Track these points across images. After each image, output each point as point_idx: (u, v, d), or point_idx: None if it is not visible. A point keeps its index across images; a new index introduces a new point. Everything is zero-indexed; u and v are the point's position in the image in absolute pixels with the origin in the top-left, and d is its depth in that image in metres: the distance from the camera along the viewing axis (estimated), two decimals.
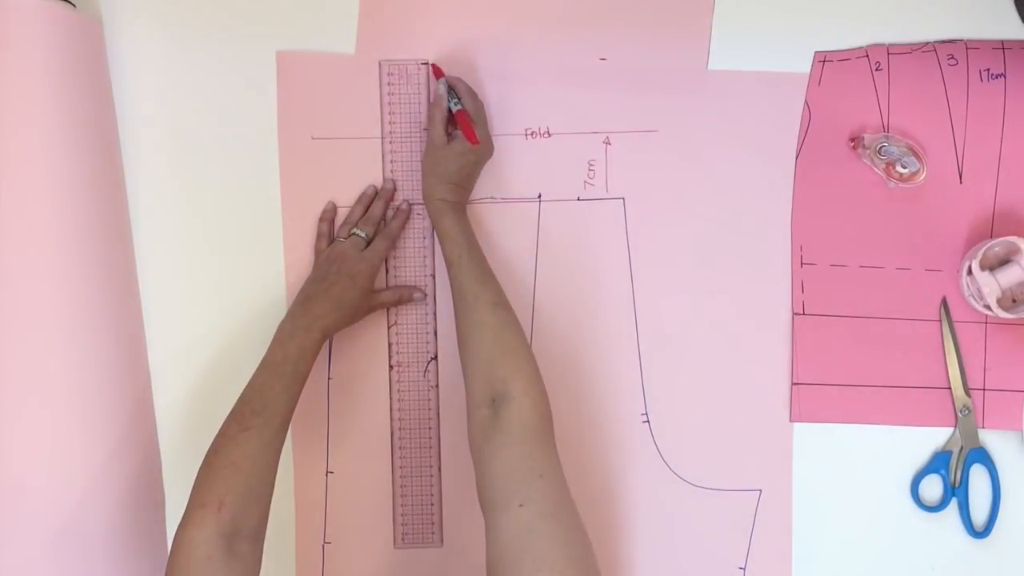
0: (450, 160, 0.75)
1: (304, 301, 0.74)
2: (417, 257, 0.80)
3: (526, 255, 0.80)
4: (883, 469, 0.80)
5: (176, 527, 0.63)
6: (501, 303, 0.71)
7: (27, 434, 0.71)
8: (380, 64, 0.79)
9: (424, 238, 0.80)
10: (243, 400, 0.69)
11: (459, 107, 0.75)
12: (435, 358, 0.80)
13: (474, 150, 0.75)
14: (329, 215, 0.79)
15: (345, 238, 0.77)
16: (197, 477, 0.66)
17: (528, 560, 0.56)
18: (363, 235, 0.77)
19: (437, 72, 0.78)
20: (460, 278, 0.72)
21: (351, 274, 0.75)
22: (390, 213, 0.79)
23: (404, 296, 0.79)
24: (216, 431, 0.79)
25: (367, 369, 0.80)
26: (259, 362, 0.71)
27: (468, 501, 0.80)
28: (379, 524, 0.80)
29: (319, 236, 0.79)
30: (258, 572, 0.64)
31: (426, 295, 0.80)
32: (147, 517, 0.78)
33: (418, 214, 0.80)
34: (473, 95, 0.76)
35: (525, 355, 0.68)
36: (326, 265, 0.75)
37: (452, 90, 0.76)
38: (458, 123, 0.75)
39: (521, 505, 0.59)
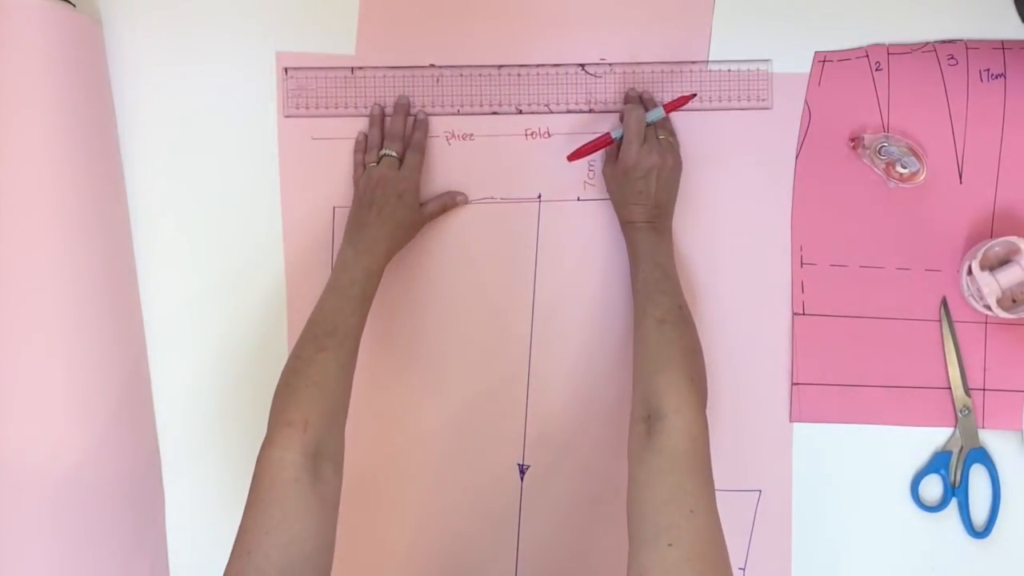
0: (618, 182, 0.76)
1: (360, 228, 0.74)
2: None
3: (526, 255, 0.80)
4: (883, 469, 0.80)
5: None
6: (670, 320, 0.69)
7: (27, 433, 0.71)
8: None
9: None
10: (314, 322, 0.69)
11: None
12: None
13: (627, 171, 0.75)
14: (362, 145, 0.79)
15: (376, 162, 0.77)
16: (277, 398, 0.65)
17: None
18: (394, 154, 0.77)
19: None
20: (634, 295, 0.73)
21: (398, 193, 0.75)
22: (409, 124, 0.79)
23: (448, 203, 0.79)
24: (216, 431, 0.80)
25: (366, 369, 0.80)
26: (324, 288, 0.71)
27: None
28: (380, 525, 0.80)
29: (356, 165, 0.78)
30: (339, 498, 0.63)
31: (468, 199, 0.79)
32: (147, 515, 0.78)
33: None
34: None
35: (685, 373, 0.66)
36: (370, 191, 0.75)
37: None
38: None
39: (670, 545, 0.56)
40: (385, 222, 0.74)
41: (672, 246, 0.77)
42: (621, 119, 0.77)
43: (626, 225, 0.76)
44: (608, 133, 0.76)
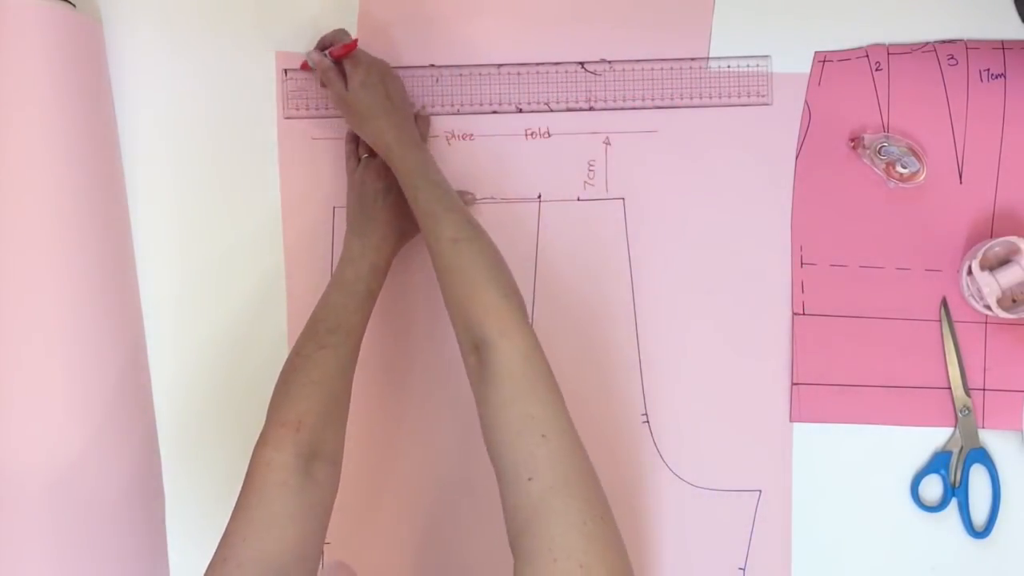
0: (358, 98, 0.72)
1: (365, 221, 0.73)
2: None
3: (526, 255, 0.80)
4: (883, 469, 0.80)
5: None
6: (464, 237, 0.65)
7: (26, 432, 0.71)
8: None
9: None
10: (316, 319, 0.68)
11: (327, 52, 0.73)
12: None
13: (367, 73, 0.72)
14: (353, 137, 0.78)
15: (374, 154, 0.75)
16: (274, 396, 0.64)
17: (544, 547, 0.52)
18: None
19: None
20: (419, 220, 0.68)
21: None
22: None
23: None
24: (216, 430, 0.80)
25: (366, 368, 0.80)
26: (328, 283, 0.70)
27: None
28: (380, 524, 0.80)
29: (348, 157, 0.77)
30: (333, 498, 0.62)
31: (474, 198, 0.79)
32: (147, 515, 0.78)
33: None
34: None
35: (498, 290, 0.62)
36: (372, 182, 0.74)
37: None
38: (338, 56, 0.73)
39: (530, 479, 0.54)
40: (391, 216, 0.73)
41: (436, 162, 0.73)
42: None
43: (383, 150, 0.72)
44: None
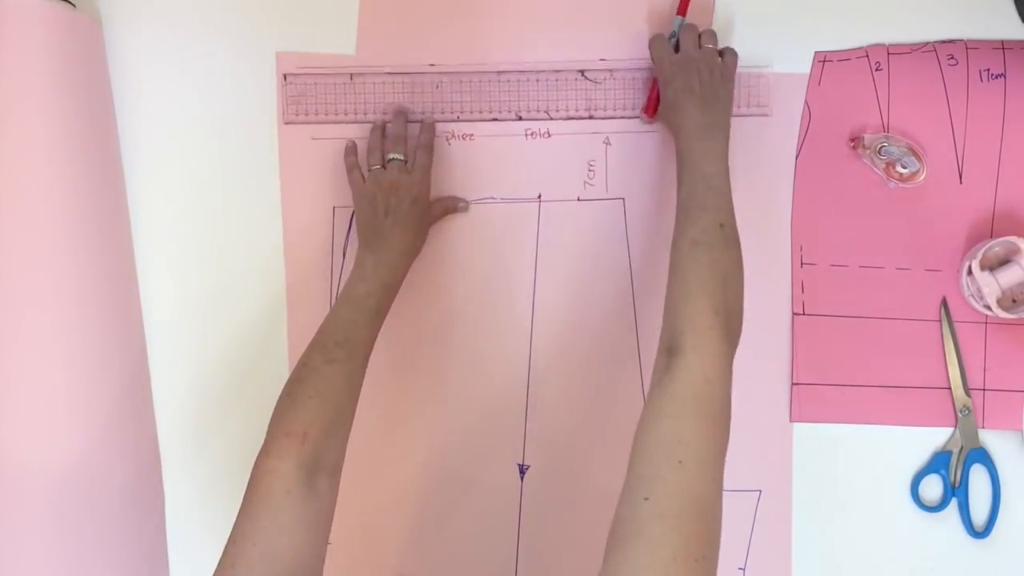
0: (666, 99, 0.73)
1: (377, 236, 0.72)
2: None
3: (526, 255, 0.80)
4: (883, 469, 0.80)
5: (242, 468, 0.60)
6: (704, 241, 0.63)
7: (28, 434, 0.71)
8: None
9: None
10: (325, 332, 0.67)
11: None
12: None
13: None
14: (353, 150, 0.78)
15: (382, 166, 0.75)
16: (278, 406, 0.63)
17: (627, 569, 0.50)
18: (402, 157, 0.75)
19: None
20: (676, 213, 0.66)
21: (412, 197, 0.73)
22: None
23: (450, 206, 0.78)
24: (216, 431, 0.80)
25: (368, 368, 0.80)
26: (339, 295, 0.70)
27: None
28: (380, 524, 0.80)
29: (350, 170, 0.77)
30: (333, 509, 0.61)
31: (468, 206, 0.79)
32: (147, 515, 0.78)
33: None
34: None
35: (711, 303, 0.60)
36: (384, 196, 0.73)
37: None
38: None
39: (646, 499, 0.52)
40: (403, 230, 0.73)
41: (726, 153, 0.70)
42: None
43: (677, 135, 0.71)
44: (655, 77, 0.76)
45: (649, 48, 0.76)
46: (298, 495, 0.58)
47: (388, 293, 0.70)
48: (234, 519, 0.59)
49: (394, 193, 0.74)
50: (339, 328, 0.67)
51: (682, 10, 0.77)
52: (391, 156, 0.76)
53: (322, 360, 0.65)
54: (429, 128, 0.78)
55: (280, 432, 0.61)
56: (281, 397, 0.64)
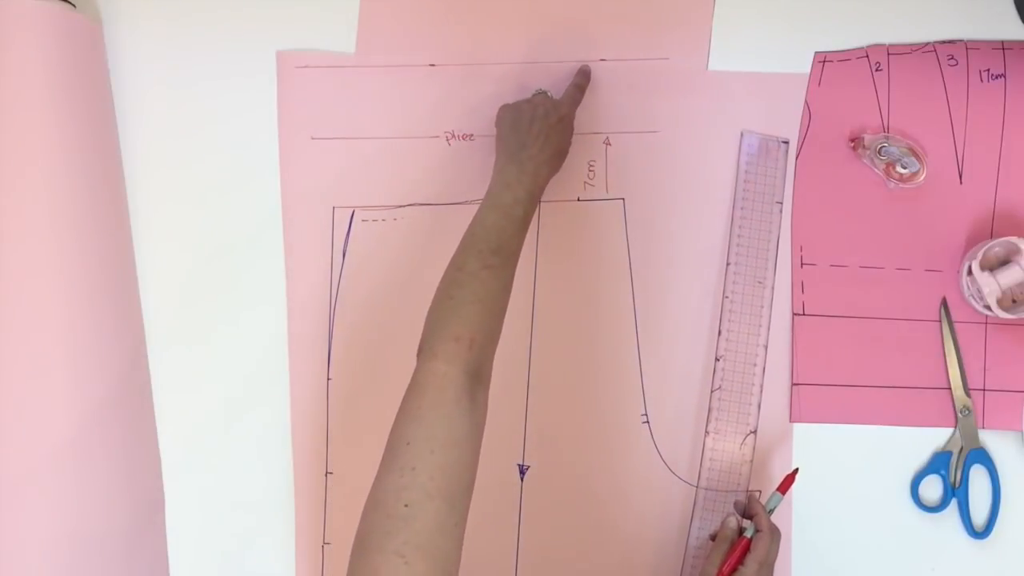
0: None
1: (521, 147, 0.71)
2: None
3: (526, 255, 0.79)
4: (883, 469, 0.80)
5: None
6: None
7: (26, 434, 0.71)
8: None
9: None
10: (477, 237, 0.66)
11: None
12: None
13: None
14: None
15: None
16: (437, 309, 0.62)
17: None
18: (547, 91, 0.77)
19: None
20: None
21: (559, 115, 0.73)
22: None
23: (581, 83, 0.78)
24: (216, 430, 0.80)
25: (367, 368, 0.80)
26: (483, 202, 0.68)
27: None
28: None
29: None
30: (481, 438, 0.60)
31: (589, 68, 0.79)
32: (147, 517, 0.78)
33: None
34: None
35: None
36: (530, 107, 0.73)
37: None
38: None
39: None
40: (545, 144, 0.72)
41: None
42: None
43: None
44: (743, 537, 0.70)
45: (755, 520, 0.71)
46: (467, 406, 0.58)
47: (532, 202, 0.70)
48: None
49: (541, 106, 0.74)
50: (491, 234, 0.66)
51: (785, 486, 0.74)
52: (539, 89, 0.77)
53: (479, 265, 0.64)
54: (584, 73, 0.79)
55: (448, 336, 0.60)
56: (440, 299, 0.63)
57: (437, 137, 0.80)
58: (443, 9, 0.80)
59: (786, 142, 0.79)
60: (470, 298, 0.62)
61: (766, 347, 0.79)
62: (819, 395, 0.80)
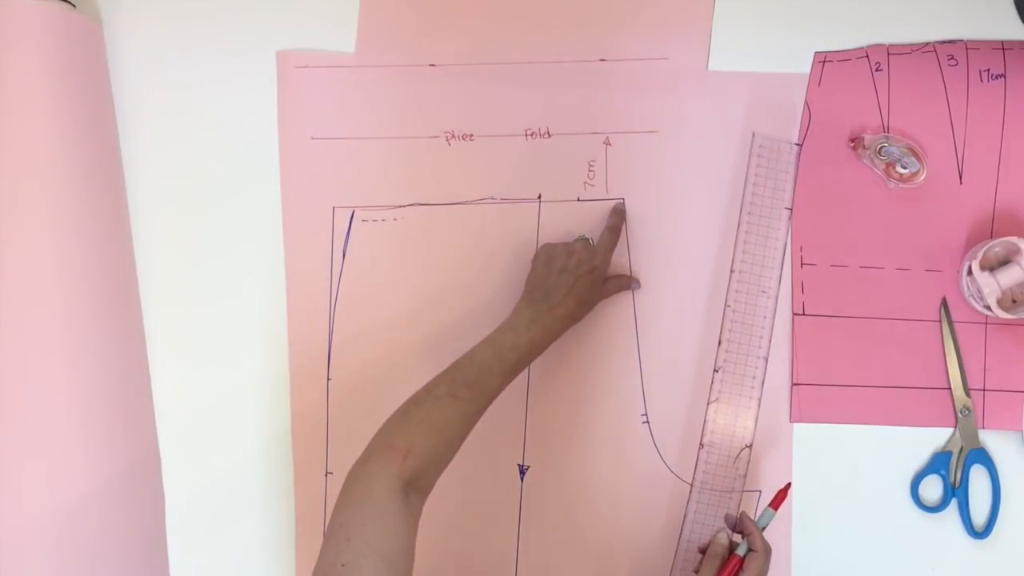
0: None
1: (545, 293, 0.72)
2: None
3: (526, 255, 0.80)
4: (883, 469, 0.80)
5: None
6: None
7: (25, 436, 0.71)
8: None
9: None
10: (459, 367, 0.67)
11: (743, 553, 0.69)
12: None
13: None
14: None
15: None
16: (390, 421, 0.64)
17: None
18: (588, 237, 0.77)
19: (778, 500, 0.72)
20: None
21: (591, 266, 0.73)
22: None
23: (624, 284, 0.78)
24: (216, 431, 0.80)
25: (366, 369, 0.80)
26: (488, 337, 0.70)
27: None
28: None
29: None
30: (416, 530, 0.62)
31: (640, 284, 0.79)
32: (147, 518, 0.78)
33: None
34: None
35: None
36: (564, 255, 0.74)
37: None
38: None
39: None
40: (569, 294, 0.72)
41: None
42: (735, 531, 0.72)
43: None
44: (735, 555, 0.69)
45: (747, 534, 0.70)
46: (398, 493, 0.59)
47: (532, 352, 0.71)
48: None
49: (575, 255, 0.74)
50: (474, 368, 0.68)
51: (777, 501, 0.72)
52: (582, 235, 0.77)
53: (446, 392, 0.66)
54: (618, 212, 0.79)
55: (385, 444, 0.62)
56: (396, 413, 0.65)
57: (437, 137, 0.80)
58: (443, 9, 0.80)
59: (798, 144, 0.79)
60: (421, 418, 0.64)
61: (766, 359, 0.79)
62: (819, 395, 0.80)
